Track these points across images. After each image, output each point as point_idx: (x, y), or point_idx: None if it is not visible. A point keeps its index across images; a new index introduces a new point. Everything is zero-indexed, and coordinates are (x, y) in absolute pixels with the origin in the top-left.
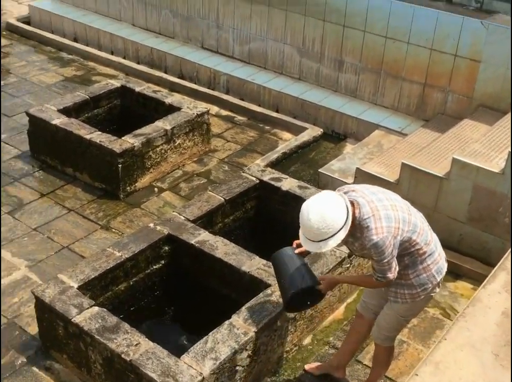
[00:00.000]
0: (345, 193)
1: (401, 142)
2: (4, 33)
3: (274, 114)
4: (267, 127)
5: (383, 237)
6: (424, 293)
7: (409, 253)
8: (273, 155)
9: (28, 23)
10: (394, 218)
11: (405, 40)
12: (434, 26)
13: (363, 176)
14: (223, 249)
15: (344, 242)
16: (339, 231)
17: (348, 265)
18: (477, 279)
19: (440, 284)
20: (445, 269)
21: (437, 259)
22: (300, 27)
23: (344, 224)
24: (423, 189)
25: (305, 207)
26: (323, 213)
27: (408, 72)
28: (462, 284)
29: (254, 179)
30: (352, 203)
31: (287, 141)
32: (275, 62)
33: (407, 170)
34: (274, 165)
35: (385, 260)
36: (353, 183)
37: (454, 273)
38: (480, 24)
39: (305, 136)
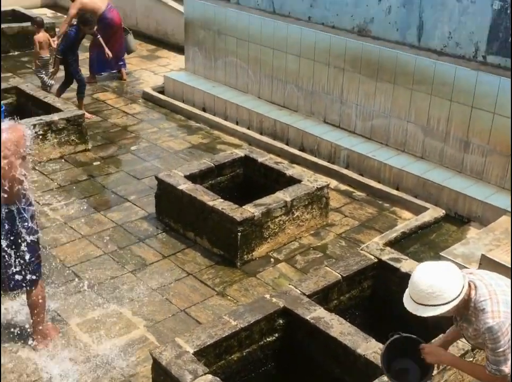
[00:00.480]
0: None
1: None
2: (140, 100)
3: (394, 192)
4: (386, 205)
5: (500, 322)
6: None
7: None
8: (392, 234)
9: (162, 93)
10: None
11: None
12: None
13: (488, 264)
14: (338, 327)
15: (460, 327)
16: (443, 304)
17: (471, 359)
18: None
19: None
20: None
21: None
22: (425, 106)
23: (452, 300)
24: None
25: (422, 265)
26: (436, 278)
27: None
28: None
29: (372, 257)
30: (469, 284)
31: (407, 221)
32: (397, 139)
33: None
34: (392, 244)
35: (501, 349)
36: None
37: None
38: None
39: (425, 216)
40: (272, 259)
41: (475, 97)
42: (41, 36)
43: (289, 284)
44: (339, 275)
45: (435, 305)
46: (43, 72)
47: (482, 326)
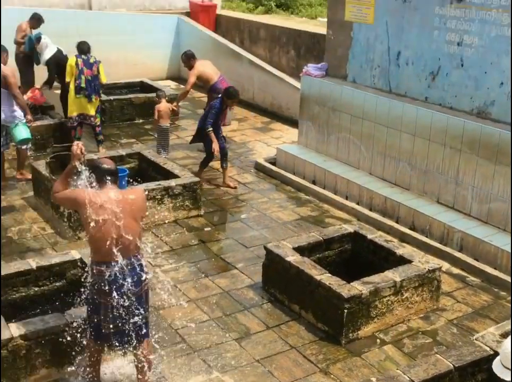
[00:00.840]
0: None
1: None
2: (252, 170)
3: None
4: (503, 293)
5: None
6: None
7: None
8: (508, 326)
9: (274, 164)
10: None
11: None
12: None
13: None
14: None
15: None
16: None
17: None
18: None
19: None
20: None
21: None
22: None
23: None
24: None
25: None
26: None
27: None
28: None
29: (488, 349)
30: None
31: None
32: None
33: None
34: (508, 334)
35: None
36: None
37: None
38: None
39: None
40: (378, 340)
41: None
42: (162, 106)
43: (397, 369)
44: (450, 364)
45: None
46: (162, 142)
47: None
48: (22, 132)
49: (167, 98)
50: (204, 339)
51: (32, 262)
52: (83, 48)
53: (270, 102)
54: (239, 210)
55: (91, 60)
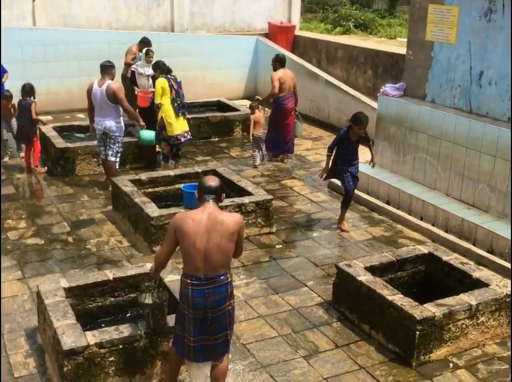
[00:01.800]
0: None
1: None
2: (325, 189)
3: None
4: None
5: None
6: None
7: None
8: None
9: None
10: None
11: None
12: None
13: None
14: None
15: None
16: None
17: None
18: None
19: None
20: None
21: None
22: None
23: None
24: None
25: None
26: None
27: None
28: None
29: None
30: None
31: None
32: None
33: None
34: None
35: None
36: None
37: None
38: None
39: None
40: (451, 364)
41: None
42: (256, 116)
43: None
44: None
45: None
46: (256, 150)
47: None
48: (148, 133)
49: (259, 108)
50: (273, 355)
51: (109, 274)
52: (169, 69)
53: (345, 122)
54: (311, 228)
55: (178, 79)
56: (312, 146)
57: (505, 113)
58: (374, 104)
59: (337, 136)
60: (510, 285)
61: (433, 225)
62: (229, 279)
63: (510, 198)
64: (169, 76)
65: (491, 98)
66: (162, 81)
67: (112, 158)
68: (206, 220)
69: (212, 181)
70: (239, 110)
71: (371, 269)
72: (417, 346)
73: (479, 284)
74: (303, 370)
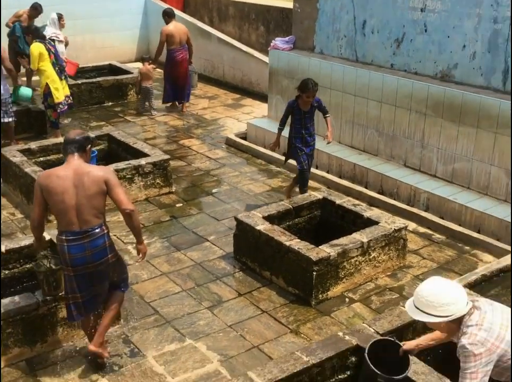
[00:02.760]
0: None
1: None
2: (223, 146)
3: (475, 235)
4: (466, 247)
5: (472, 343)
6: None
7: None
8: (472, 277)
9: (244, 139)
10: (498, 335)
11: None
12: None
13: None
14: (412, 367)
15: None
16: (434, 316)
17: None
18: None
19: None
20: None
21: None
22: (509, 149)
23: (441, 316)
24: None
25: (436, 277)
26: (441, 292)
27: None
28: None
29: None
30: (468, 311)
31: (488, 264)
32: (480, 182)
33: None
34: (472, 286)
35: (469, 371)
36: None
37: None
38: None
39: (508, 259)
40: (347, 299)
41: None
42: (144, 68)
43: (363, 323)
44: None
45: (427, 313)
46: (145, 101)
47: (459, 345)
48: (25, 90)
49: (150, 61)
50: (177, 310)
51: (1, 246)
52: (43, 35)
53: (240, 79)
54: (210, 185)
55: (53, 43)
56: (209, 105)
57: (388, 60)
58: (267, 59)
59: (286, 107)
60: (398, 222)
61: (327, 172)
62: (105, 231)
63: (397, 142)
64: (45, 41)
65: (374, 47)
66: (38, 46)
67: (6, 119)
68: (72, 175)
69: (76, 134)
70: (132, 73)
71: (269, 218)
72: (315, 285)
73: (370, 222)
74: (208, 320)
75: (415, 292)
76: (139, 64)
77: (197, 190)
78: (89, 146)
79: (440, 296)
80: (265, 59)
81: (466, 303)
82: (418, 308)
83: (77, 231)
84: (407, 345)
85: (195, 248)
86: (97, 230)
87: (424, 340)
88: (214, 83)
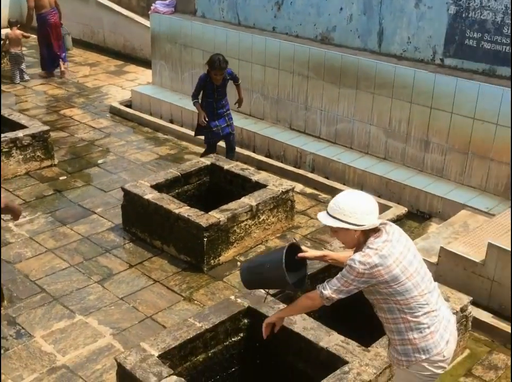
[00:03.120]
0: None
1: (488, 222)
2: (107, 115)
3: None
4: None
5: (364, 262)
6: (407, 364)
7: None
8: None
9: (129, 106)
10: (388, 266)
11: (494, 121)
12: None
13: (447, 256)
14: (301, 323)
15: None
16: (343, 222)
17: None
18: None
19: (436, 367)
20: (437, 351)
21: (428, 338)
22: (387, 109)
23: (349, 223)
24: (510, 270)
25: (352, 190)
26: (355, 202)
27: (496, 153)
28: None
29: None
30: (377, 229)
31: None
32: (361, 142)
33: (494, 251)
34: None
35: (344, 279)
36: (437, 263)
37: None
38: None
39: (388, 214)
40: (238, 263)
41: (434, 98)
42: (11, 33)
43: None
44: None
45: (339, 220)
46: (15, 67)
47: (351, 256)
48: None
49: (18, 25)
50: (65, 286)
51: None
52: None
53: (122, 44)
54: (95, 155)
55: None
56: (90, 72)
57: (270, 23)
58: (148, 23)
59: (198, 81)
60: (285, 184)
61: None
62: None
63: (282, 106)
64: None
65: (255, 10)
66: None
67: None
68: None
69: None
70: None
71: (157, 187)
72: (206, 252)
73: (259, 186)
74: (98, 294)
75: (331, 201)
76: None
77: (81, 161)
78: None
79: (355, 205)
80: (147, 23)
81: (377, 218)
82: (331, 215)
83: None
84: (309, 252)
85: (81, 221)
86: None
87: (323, 252)
88: (94, 48)
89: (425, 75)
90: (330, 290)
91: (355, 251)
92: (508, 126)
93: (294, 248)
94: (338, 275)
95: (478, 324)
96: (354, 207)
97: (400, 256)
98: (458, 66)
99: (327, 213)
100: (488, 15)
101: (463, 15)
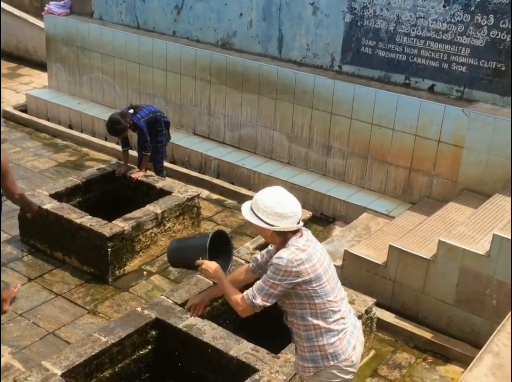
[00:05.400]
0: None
1: (389, 224)
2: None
3: None
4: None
5: (291, 260)
6: (314, 370)
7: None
8: (262, 238)
9: (25, 111)
10: (313, 265)
11: (390, 127)
12: (418, 114)
13: (351, 259)
14: (211, 333)
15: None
16: (262, 221)
17: None
18: (467, 363)
19: (345, 372)
20: (344, 357)
21: (337, 344)
22: (289, 114)
23: (273, 225)
24: (410, 271)
25: (279, 188)
26: (278, 201)
27: (394, 157)
28: (452, 367)
29: (243, 261)
30: (296, 232)
31: None
32: (265, 147)
33: (395, 252)
34: (263, 247)
35: (271, 281)
36: (342, 266)
37: (444, 356)
38: (461, 112)
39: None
40: (145, 272)
41: (334, 104)
42: None
43: (161, 295)
44: (211, 281)
45: (258, 217)
46: None
47: (276, 255)
48: None
49: None
50: None
51: None
52: None
53: (15, 46)
54: None
55: None
56: None
57: (170, 27)
58: (42, 24)
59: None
60: (190, 190)
61: (117, 143)
62: None
63: (185, 110)
64: None
65: (155, 13)
66: None
67: None
68: None
69: None
70: None
71: (57, 196)
72: (110, 262)
73: (164, 193)
74: None
75: (256, 195)
76: None
77: None
78: None
79: (273, 205)
80: (41, 24)
81: (297, 222)
82: (252, 210)
83: None
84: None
85: None
86: None
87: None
88: None
89: (324, 81)
90: (260, 297)
91: (276, 250)
92: (403, 131)
93: (222, 236)
94: (262, 279)
95: (382, 325)
96: (272, 207)
97: (321, 257)
98: (355, 73)
99: (251, 207)
100: (382, 24)
101: (359, 23)
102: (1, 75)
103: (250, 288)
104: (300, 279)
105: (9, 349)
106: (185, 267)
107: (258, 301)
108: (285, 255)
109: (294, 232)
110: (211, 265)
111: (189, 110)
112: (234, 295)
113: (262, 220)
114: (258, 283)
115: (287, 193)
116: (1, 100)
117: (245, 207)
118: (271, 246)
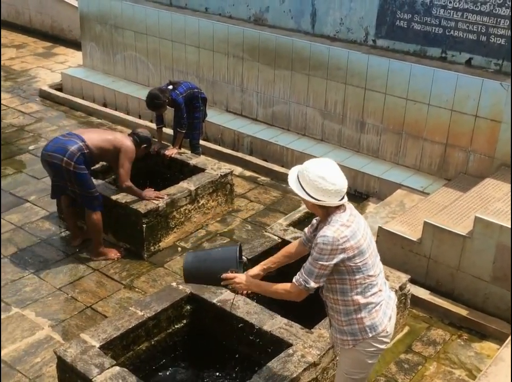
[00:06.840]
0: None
1: (424, 201)
2: (37, 99)
3: None
4: (290, 187)
5: (336, 238)
6: (353, 343)
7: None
8: (296, 215)
9: (60, 90)
10: (358, 241)
11: (426, 102)
12: (454, 88)
13: (385, 235)
14: (245, 308)
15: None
16: (308, 194)
17: None
18: (503, 340)
19: (380, 342)
20: (382, 328)
21: (374, 316)
22: (322, 90)
23: (316, 199)
24: (446, 248)
25: (330, 162)
26: (329, 177)
27: (429, 133)
28: (488, 344)
29: (276, 238)
30: (340, 206)
31: None
32: (298, 124)
33: (430, 229)
34: (296, 224)
35: (321, 262)
36: (376, 242)
37: (480, 333)
38: (500, 86)
39: None
40: (179, 248)
41: (367, 79)
42: None
43: None
44: (244, 257)
45: (299, 183)
46: None
47: (320, 234)
48: None
49: None
50: None
51: None
52: None
53: (50, 25)
54: (26, 142)
55: None
56: (17, 55)
57: (202, 4)
58: (76, 3)
59: None
60: (224, 167)
61: (151, 121)
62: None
63: (218, 88)
64: None
65: None
66: None
67: None
68: None
69: None
70: None
71: (93, 173)
72: (145, 238)
73: (197, 170)
74: (34, 285)
75: (305, 163)
76: None
77: (11, 147)
78: None
79: (320, 182)
80: (75, 3)
81: (341, 198)
82: (298, 179)
83: None
84: (251, 271)
85: (14, 210)
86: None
87: (266, 263)
88: (20, 30)
89: (358, 56)
90: (312, 280)
91: (318, 223)
92: (439, 106)
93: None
94: (309, 261)
95: (416, 302)
96: (315, 180)
97: (364, 232)
98: (390, 47)
99: (298, 177)
100: None
101: None
102: (38, 55)
103: (299, 273)
104: (345, 255)
105: (48, 322)
106: (203, 282)
107: (312, 284)
108: (329, 233)
109: (337, 207)
110: (241, 277)
111: (222, 87)
112: (279, 289)
113: (305, 191)
114: (307, 266)
115: (333, 168)
116: (38, 78)
117: (292, 174)
118: (315, 219)
